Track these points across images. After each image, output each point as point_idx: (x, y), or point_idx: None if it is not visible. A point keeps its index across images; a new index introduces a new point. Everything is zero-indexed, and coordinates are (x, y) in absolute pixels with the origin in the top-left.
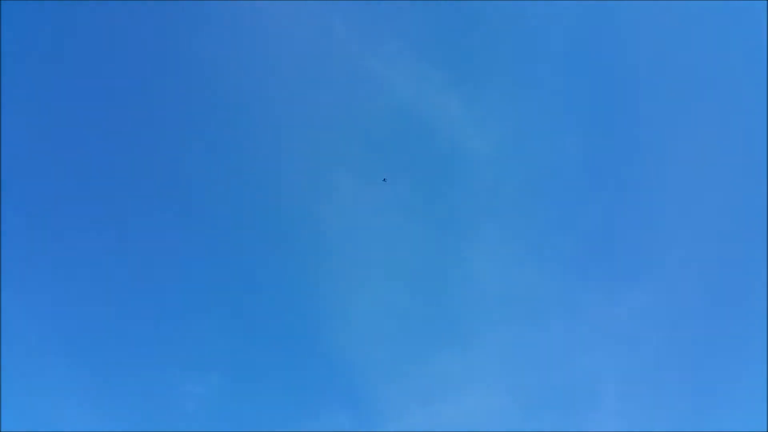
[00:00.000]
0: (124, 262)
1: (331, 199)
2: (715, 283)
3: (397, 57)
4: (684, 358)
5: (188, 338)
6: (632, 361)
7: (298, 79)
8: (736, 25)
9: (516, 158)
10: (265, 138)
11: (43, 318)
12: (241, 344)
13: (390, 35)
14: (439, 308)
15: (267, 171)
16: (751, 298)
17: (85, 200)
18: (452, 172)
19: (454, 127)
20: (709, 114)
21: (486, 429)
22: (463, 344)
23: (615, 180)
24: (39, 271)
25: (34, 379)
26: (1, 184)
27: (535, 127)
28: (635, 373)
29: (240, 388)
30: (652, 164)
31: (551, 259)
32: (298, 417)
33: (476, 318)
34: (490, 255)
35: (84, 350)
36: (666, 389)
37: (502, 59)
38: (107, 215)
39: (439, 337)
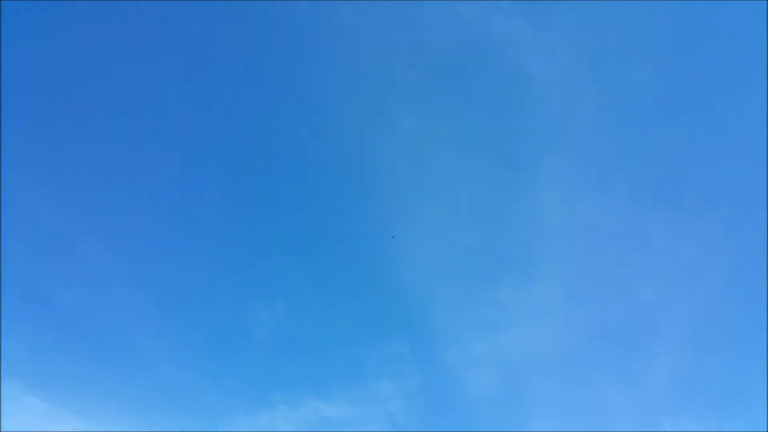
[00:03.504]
0: (197, 201)
1: (393, 131)
2: None
3: None
4: (751, 292)
5: (256, 267)
6: (697, 295)
7: (357, 9)
8: None
9: (585, 87)
10: (325, 72)
11: (123, 254)
12: (307, 273)
13: None
14: (502, 241)
15: (328, 106)
16: None
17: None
18: (518, 102)
19: (522, 55)
20: None
21: (547, 360)
22: (526, 276)
23: (686, 111)
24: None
25: (114, 310)
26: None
27: (606, 54)
28: (700, 308)
29: (305, 316)
30: (725, 95)
31: (618, 192)
32: (361, 344)
33: (539, 250)
34: (554, 187)
35: (158, 282)
36: (731, 325)
37: None
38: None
39: (502, 270)
